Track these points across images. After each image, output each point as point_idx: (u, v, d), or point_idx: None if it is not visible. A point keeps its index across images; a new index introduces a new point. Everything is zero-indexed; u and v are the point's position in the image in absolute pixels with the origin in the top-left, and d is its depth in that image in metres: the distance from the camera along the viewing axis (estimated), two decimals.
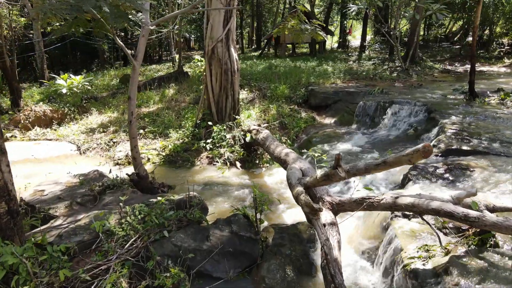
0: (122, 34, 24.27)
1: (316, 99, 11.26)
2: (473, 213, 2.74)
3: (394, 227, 3.81)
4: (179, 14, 9.05)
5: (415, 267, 3.15)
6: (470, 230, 3.31)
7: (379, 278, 3.80)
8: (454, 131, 6.84)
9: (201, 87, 9.85)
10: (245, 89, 12.36)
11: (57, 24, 6.87)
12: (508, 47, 20.92)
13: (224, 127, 8.63)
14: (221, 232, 4.31)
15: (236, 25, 20.02)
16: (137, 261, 3.69)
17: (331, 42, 29.25)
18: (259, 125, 8.25)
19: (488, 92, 10.10)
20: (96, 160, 8.60)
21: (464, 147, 6.14)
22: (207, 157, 8.31)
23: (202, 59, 12.32)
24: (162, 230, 4.12)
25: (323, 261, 3.32)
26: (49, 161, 8.57)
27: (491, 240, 3.20)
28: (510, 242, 3.28)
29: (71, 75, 11.78)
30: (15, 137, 10.25)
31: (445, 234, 3.53)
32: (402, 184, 5.52)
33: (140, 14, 5.15)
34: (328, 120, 10.56)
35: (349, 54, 22.15)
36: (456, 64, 17.89)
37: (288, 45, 23.03)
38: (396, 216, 3.99)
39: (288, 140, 8.94)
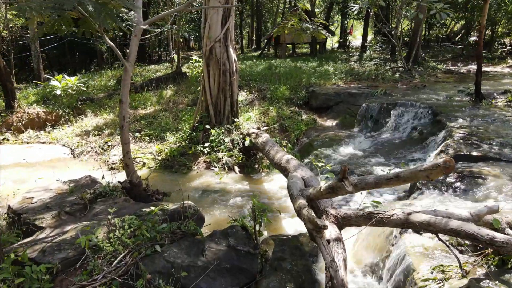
0: (121, 34, 23.93)
1: (317, 100, 10.94)
2: (500, 236, 2.43)
3: (404, 242, 3.51)
4: (173, 13, 8.75)
5: None
6: (489, 248, 3.02)
7: None
8: (462, 135, 6.53)
9: (199, 88, 9.56)
10: (244, 90, 12.04)
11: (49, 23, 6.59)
12: (510, 47, 20.62)
13: (223, 130, 8.34)
14: (217, 246, 4.02)
15: (236, 25, 19.74)
16: (125, 280, 3.40)
17: (332, 42, 28.97)
18: (258, 128, 7.94)
19: (495, 94, 9.80)
20: (90, 164, 8.31)
21: (474, 153, 5.84)
22: (204, 161, 8.01)
23: (200, 59, 12.03)
24: (154, 244, 3.83)
25: (328, 282, 3.05)
26: (41, 165, 8.28)
27: None
28: None
29: (65, 76, 11.46)
30: (7, 140, 9.95)
31: (461, 252, 3.23)
32: (410, 192, 5.24)
33: (132, 12, 4.85)
34: (330, 123, 10.26)
35: (350, 54, 21.84)
36: (459, 65, 17.57)
37: (288, 45, 22.71)
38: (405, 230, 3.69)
39: (289, 144, 8.63)
